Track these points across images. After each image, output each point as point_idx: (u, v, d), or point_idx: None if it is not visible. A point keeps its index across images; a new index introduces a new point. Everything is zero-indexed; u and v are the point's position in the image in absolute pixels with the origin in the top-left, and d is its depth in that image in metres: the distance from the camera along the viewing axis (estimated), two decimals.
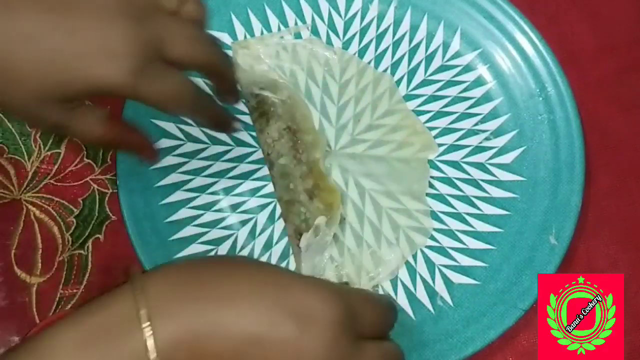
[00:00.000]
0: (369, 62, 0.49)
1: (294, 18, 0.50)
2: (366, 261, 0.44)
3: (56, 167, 0.45)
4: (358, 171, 0.46)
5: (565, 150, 0.46)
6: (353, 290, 0.34)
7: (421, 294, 0.43)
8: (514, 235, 0.44)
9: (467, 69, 0.49)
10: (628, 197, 0.47)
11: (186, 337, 0.28)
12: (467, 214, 0.45)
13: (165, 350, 0.28)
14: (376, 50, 0.49)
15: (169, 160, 0.45)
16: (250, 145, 0.47)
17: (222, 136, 0.46)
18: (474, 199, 0.46)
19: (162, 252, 0.42)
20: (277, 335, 0.29)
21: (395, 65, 0.49)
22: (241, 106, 0.47)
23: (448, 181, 0.46)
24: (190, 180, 0.45)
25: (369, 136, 0.47)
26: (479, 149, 0.47)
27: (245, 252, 0.44)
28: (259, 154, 0.46)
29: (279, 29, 0.50)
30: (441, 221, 0.45)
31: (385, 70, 0.49)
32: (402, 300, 0.43)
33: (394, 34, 0.50)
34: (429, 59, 0.49)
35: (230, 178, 0.46)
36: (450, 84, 0.49)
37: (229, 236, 0.44)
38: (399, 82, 0.49)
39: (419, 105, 0.48)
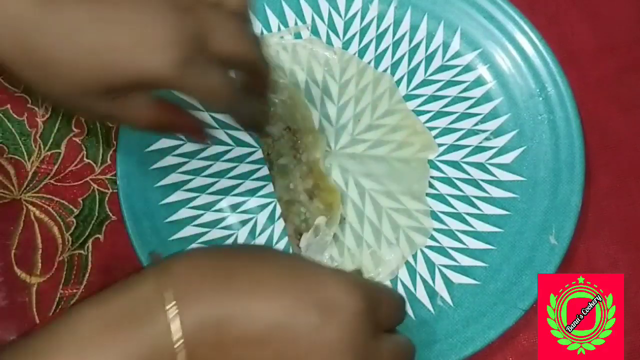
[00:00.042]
0: (369, 62, 0.49)
1: (294, 18, 0.50)
2: (366, 261, 0.44)
3: (56, 167, 0.45)
4: (358, 171, 0.46)
5: (565, 150, 0.46)
6: (370, 282, 0.35)
7: (421, 294, 0.43)
8: (514, 235, 0.44)
9: (467, 69, 0.49)
10: (628, 197, 0.47)
11: (212, 320, 0.28)
12: (467, 214, 0.45)
13: (191, 333, 0.28)
14: (376, 50, 0.49)
15: (169, 160, 0.45)
16: (250, 145, 0.47)
17: (223, 136, 0.46)
18: (474, 199, 0.46)
19: (162, 252, 0.42)
20: (302, 324, 0.29)
21: (395, 65, 0.49)
22: None
23: (448, 181, 0.46)
24: (190, 180, 0.45)
25: (369, 136, 0.47)
26: (479, 149, 0.47)
27: None
28: (259, 154, 0.46)
29: (279, 29, 0.50)
30: (441, 221, 0.45)
31: (385, 70, 0.49)
32: None
33: (394, 34, 0.50)
34: (429, 59, 0.49)
35: (230, 178, 0.46)
36: (450, 84, 0.49)
37: (229, 236, 0.44)
38: (399, 82, 0.49)
39: (419, 105, 0.48)
